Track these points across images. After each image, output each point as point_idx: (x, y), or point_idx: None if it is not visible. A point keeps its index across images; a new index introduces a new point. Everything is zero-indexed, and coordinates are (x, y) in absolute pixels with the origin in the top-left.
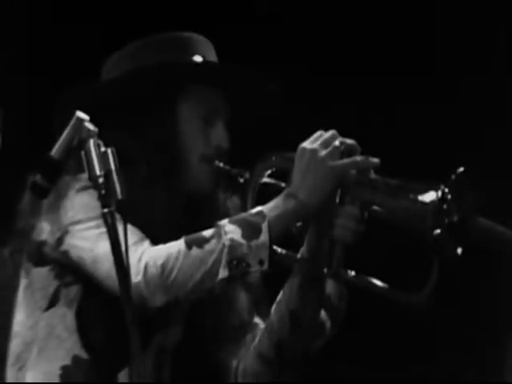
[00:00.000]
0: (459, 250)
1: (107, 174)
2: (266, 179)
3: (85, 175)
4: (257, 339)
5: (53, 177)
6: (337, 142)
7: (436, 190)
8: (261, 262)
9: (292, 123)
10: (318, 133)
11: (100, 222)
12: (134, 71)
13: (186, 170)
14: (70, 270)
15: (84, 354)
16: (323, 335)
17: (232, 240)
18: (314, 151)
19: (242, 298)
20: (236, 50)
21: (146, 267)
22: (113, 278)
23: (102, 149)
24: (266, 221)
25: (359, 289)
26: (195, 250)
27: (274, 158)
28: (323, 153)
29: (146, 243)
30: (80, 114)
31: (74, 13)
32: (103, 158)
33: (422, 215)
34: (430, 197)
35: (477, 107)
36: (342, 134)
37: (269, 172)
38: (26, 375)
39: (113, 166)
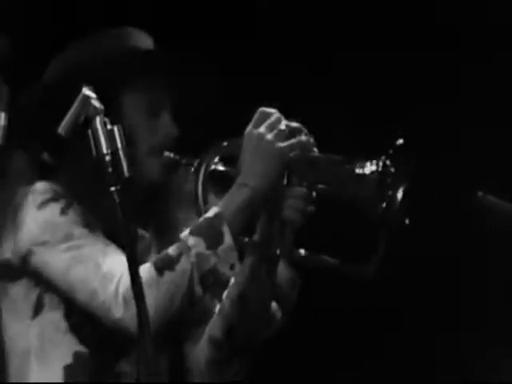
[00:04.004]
0: (407, 221)
1: (114, 152)
2: (215, 166)
3: (40, 185)
4: (210, 324)
5: (60, 154)
6: (282, 126)
7: (378, 163)
8: (232, 266)
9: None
10: (260, 112)
11: (70, 244)
12: (72, 70)
13: (136, 165)
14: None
15: (84, 349)
16: (274, 325)
17: (199, 254)
18: (260, 135)
19: None
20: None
21: (125, 303)
22: (93, 306)
23: (109, 126)
24: (225, 221)
25: (310, 267)
26: (168, 275)
27: (224, 145)
28: (269, 136)
29: (118, 268)
30: (86, 90)
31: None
32: (110, 135)
33: (366, 189)
34: (372, 170)
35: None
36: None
37: (217, 159)
38: None
39: (119, 144)
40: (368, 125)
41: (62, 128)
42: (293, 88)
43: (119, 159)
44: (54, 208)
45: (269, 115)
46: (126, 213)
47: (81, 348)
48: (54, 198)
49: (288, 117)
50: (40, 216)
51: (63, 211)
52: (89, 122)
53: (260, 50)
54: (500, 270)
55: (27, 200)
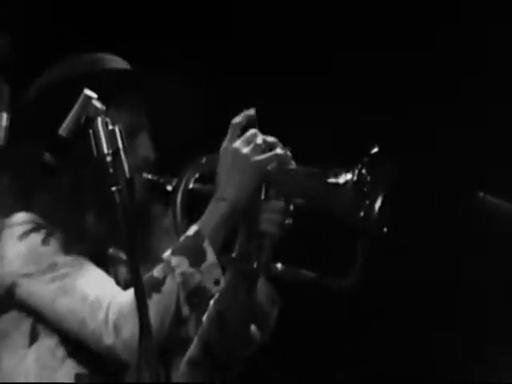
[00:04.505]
0: (385, 229)
1: (115, 153)
2: (193, 185)
3: (18, 216)
4: (190, 348)
5: (61, 155)
6: (258, 140)
7: (353, 172)
8: (216, 282)
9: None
10: (233, 126)
11: (54, 274)
12: (58, 82)
13: None
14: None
15: (84, 370)
16: (253, 345)
17: (183, 274)
18: (236, 150)
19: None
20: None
21: (115, 329)
22: (83, 334)
23: (110, 127)
24: (206, 239)
25: (287, 281)
26: (155, 297)
27: (202, 162)
28: (245, 150)
29: (106, 295)
30: (87, 91)
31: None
32: (111, 136)
33: (343, 199)
34: (347, 179)
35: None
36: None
37: (196, 177)
38: None
39: (120, 144)
40: (367, 125)
41: (64, 129)
42: (293, 88)
43: (120, 159)
44: (36, 238)
45: (241, 124)
46: (127, 213)
47: (80, 369)
48: (35, 229)
49: (288, 117)
50: (22, 247)
51: (45, 241)
52: (90, 123)
53: (260, 50)
54: (500, 270)
55: (5, 233)
